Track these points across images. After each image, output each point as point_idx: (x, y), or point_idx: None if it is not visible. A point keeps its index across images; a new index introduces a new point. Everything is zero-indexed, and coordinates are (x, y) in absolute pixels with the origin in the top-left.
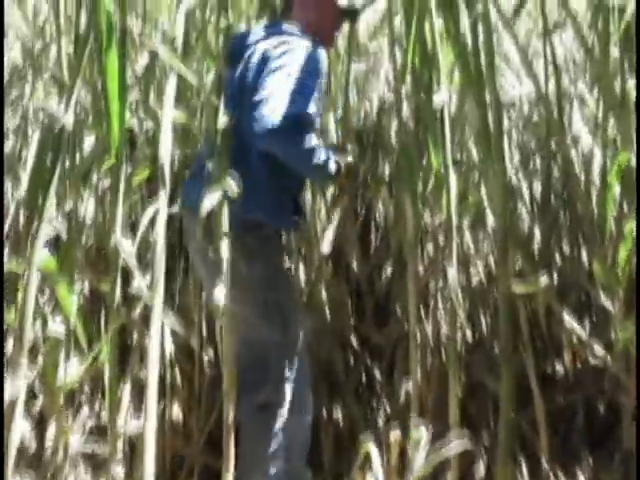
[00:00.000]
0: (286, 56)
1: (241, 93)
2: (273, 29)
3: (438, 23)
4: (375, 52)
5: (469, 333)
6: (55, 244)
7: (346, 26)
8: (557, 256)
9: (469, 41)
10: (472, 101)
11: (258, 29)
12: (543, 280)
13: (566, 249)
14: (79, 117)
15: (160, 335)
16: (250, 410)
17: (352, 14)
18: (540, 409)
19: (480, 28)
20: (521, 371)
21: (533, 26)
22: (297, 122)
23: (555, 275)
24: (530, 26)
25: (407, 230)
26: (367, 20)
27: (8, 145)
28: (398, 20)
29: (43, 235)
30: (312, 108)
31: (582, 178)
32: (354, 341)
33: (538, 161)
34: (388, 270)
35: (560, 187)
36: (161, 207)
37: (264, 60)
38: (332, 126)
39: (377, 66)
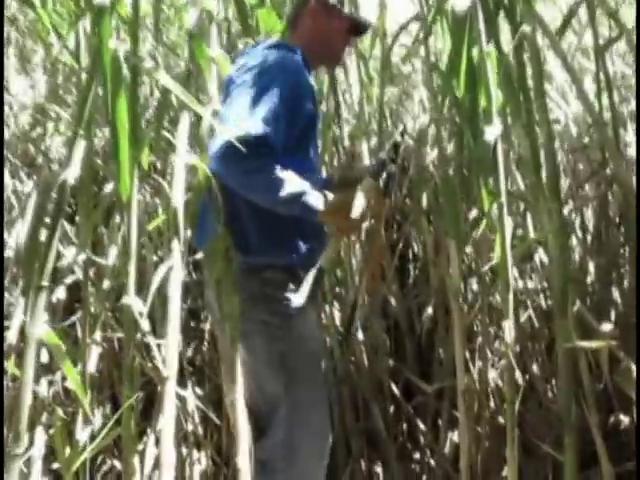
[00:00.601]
0: (249, 73)
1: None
2: (264, 47)
3: (488, 47)
4: (409, 75)
5: (518, 376)
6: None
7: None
8: (617, 295)
9: (513, 62)
10: (519, 129)
11: (253, 50)
12: (605, 327)
13: (627, 286)
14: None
15: (174, 401)
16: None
17: (362, 28)
18: (608, 473)
19: (526, 48)
20: (582, 424)
21: (578, 42)
22: (233, 146)
23: (613, 314)
24: (574, 42)
25: (450, 273)
26: (400, 42)
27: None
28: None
29: (42, 302)
30: (263, 129)
31: None
32: (394, 388)
33: (587, 188)
34: (429, 308)
35: (617, 217)
36: (175, 265)
37: (232, 80)
38: (366, 154)
39: (411, 89)
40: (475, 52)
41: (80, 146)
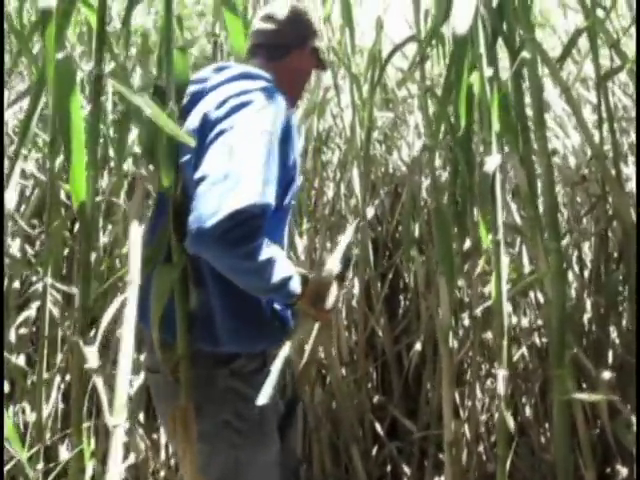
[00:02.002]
0: (238, 115)
1: (185, 163)
2: (233, 73)
3: (488, 72)
4: (404, 99)
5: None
6: None
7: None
8: (614, 335)
9: (511, 90)
10: (516, 160)
11: (216, 73)
12: (605, 375)
13: (626, 327)
14: None
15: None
16: None
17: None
18: None
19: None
20: (576, 474)
21: (577, 72)
22: (232, 224)
23: (611, 356)
24: (574, 71)
25: (440, 312)
26: (396, 66)
27: None
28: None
29: None
30: (267, 197)
31: None
32: (379, 427)
33: (584, 222)
34: (418, 344)
35: (616, 253)
36: (130, 298)
37: (207, 119)
38: (356, 182)
39: (406, 114)
40: (473, 77)
41: (17, 169)
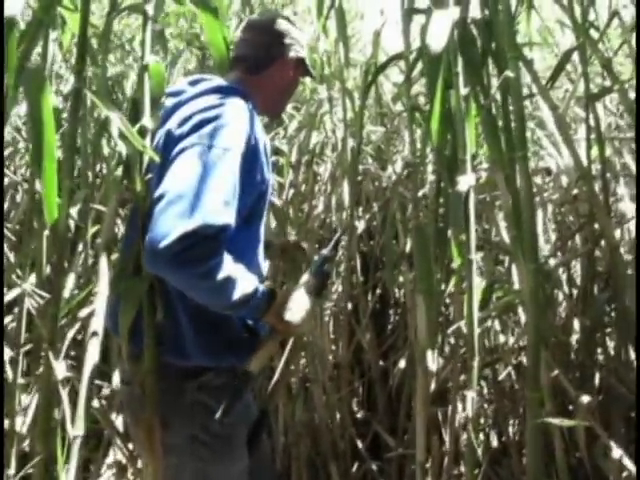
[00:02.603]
0: (199, 132)
1: (150, 180)
2: (207, 87)
3: (464, 90)
4: (399, 114)
5: (494, 435)
6: None
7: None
8: (600, 357)
9: (496, 110)
10: (501, 178)
11: (191, 86)
12: (584, 399)
13: (611, 350)
14: None
15: None
16: None
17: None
18: None
19: (510, 94)
20: None
21: (573, 89)
22: (184, 245)
23: (597, 379)
24: (569, 88)
25: (418, 332)
26: (392, 80)
27: None
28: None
29: None
30: (226, 217)
31: (630, 263)
32: (359, 443)
33: (578, 241)
34: (402, 361)
35: (604, 272)
36: (97, 310)
37: (171, 136)
38: (346, 194)
39: (401, 128)
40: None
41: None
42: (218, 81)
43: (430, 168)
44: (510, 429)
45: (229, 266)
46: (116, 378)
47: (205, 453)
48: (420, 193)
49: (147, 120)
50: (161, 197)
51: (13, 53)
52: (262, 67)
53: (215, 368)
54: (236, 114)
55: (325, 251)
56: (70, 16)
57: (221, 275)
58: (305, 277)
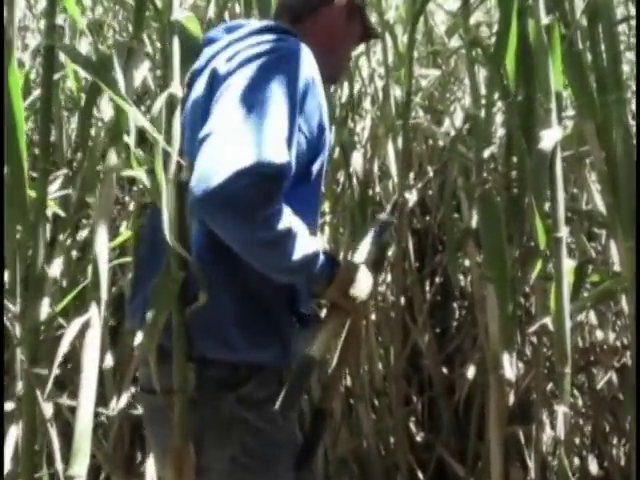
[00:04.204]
0: (250, 66)
1: (190, 130)
2: (250, 29)
3: (546, 19)
4: (456, 50)
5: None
6: None
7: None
8: None
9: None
10: (591, 129)
11: (227, 33)
12: None
13: None
14: None
15: None
16: None
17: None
18: None
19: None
20: None
21: None
22: (245, 182)
23: None
24: None
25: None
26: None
27: None
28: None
29: None
30: (286, 155)
31: None
32: (419, 473)
33: None
34: (471, 367)
35: None
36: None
37: (216, 75)
38: (392, 158)
39: (459, 71)
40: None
41: None
42: (264, 22)
43: (499, 119)
44: (613, 451)
45: (291, 218)
46: (113, 403)
47: (244, 478)
48: (486, 153)
49: (176, 87)
50: (207, 136)
51: None
52: (303, 12)
53: (257, 375)
54: (294, 48)
55: (383, 215)
56: None
57: (282, 226)
58: (365, 246)
